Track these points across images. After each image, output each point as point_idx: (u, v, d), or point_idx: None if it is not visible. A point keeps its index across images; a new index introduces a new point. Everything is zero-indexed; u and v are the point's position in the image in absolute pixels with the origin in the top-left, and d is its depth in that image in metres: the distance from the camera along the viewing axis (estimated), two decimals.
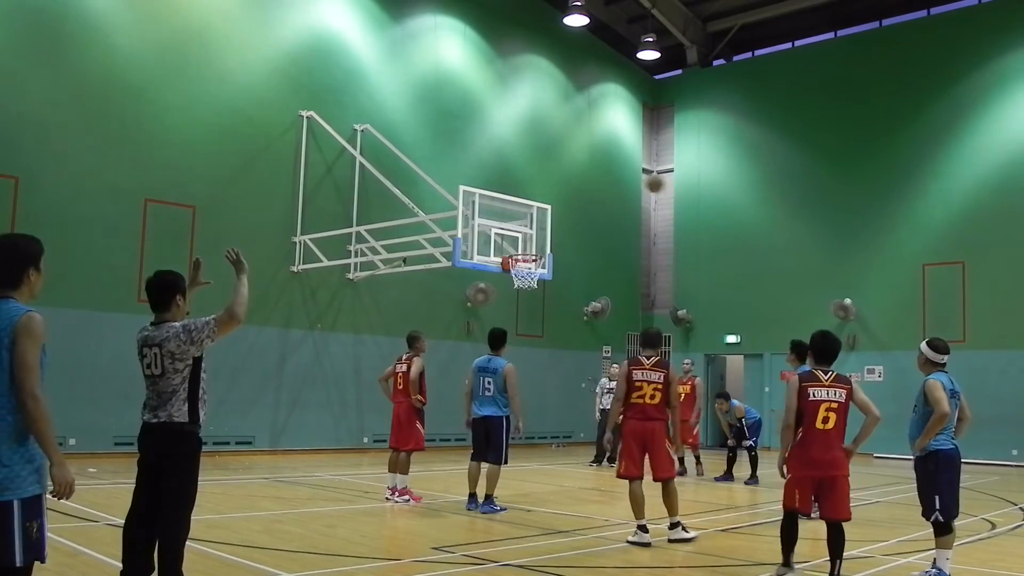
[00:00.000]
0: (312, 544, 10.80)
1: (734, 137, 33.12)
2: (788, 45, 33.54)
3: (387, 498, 14.93)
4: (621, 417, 12.61)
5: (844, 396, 9.60)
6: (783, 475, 9.67)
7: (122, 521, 7.33)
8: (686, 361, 22.69)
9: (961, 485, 10.13)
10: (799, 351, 14.59)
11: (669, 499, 12.15)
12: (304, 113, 23.76)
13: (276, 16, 23.57)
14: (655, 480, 12.18)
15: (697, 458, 21.00)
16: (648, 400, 12.06)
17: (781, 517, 9.81)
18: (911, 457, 10.20)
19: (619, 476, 12.27)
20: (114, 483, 15.03)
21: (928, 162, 28.69)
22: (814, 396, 9.54)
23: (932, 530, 9.96)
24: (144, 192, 20.79)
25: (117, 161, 20.46)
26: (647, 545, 11.47)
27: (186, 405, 7.22)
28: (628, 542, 11.61)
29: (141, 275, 19.38)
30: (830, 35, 32.48)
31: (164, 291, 7.35)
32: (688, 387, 20.62)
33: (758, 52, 34.52)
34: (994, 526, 13.97)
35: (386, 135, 24.27)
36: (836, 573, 9.28)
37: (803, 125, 31.60)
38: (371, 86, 25.62)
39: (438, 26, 27.62)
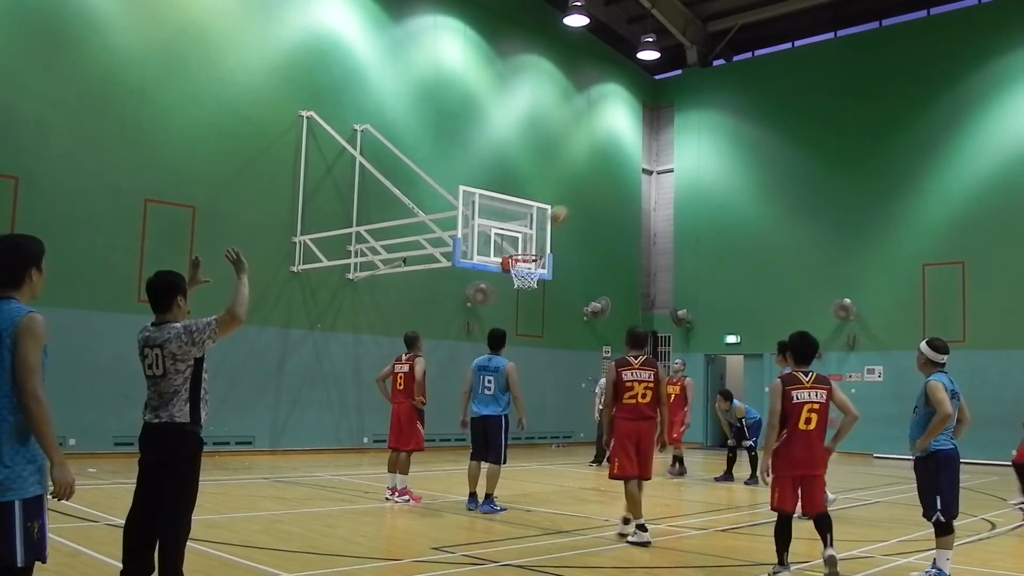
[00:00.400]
0: (312, 544, 10.80)
1: (734, 137, 33.15)
2: (788, 45, 33.51)
3: (387, 498, 14.88)
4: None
5: (825, 397, 9.79)
6: (765, 482, 9.85)
7: (122, 521, 7.34)
8: (676, 361, 22.68)
9: (961, 485, 10.08)
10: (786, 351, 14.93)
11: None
12: (304, 113, 23.75)
13: (276, 16, 23.57)
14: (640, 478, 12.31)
15: (675, 459, 20.91)
16: (640, 399, 12.12)
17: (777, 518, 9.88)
18: (911, 457, 10.16)
19: (614, 477, 12.27)
20: (114, 483, 15.02)
21: (928, 162, 28.67)
22: (797, 398, 9.70)
23: (932, 530, 9.93)
24: (144, 192, 20.80)
25: (117, 161, 20.47)
26: (647, 544, 11.47)
27: (188, 405, 7.21)
28: (629, 542, 11.59)
29: (141, 275, 19.45)
30: (830, 35, 32.44)
31: (165, 292, 7.35)
32: (678, 387, 20.73)
33: (758, 52, 34.50)
34: (994, 526, 13.98)
35: (386, 135, 24.25)
36: (830, 543, 9.43)
37: (803, 125, 31.56)
38: (371, 86, 25.61)
39: (438, 26, 27.63)
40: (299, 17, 24.13)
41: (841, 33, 32.23)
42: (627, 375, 12.16)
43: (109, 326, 19.45)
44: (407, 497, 14.71)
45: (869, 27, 31.57)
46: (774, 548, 9.73)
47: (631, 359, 12.30)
